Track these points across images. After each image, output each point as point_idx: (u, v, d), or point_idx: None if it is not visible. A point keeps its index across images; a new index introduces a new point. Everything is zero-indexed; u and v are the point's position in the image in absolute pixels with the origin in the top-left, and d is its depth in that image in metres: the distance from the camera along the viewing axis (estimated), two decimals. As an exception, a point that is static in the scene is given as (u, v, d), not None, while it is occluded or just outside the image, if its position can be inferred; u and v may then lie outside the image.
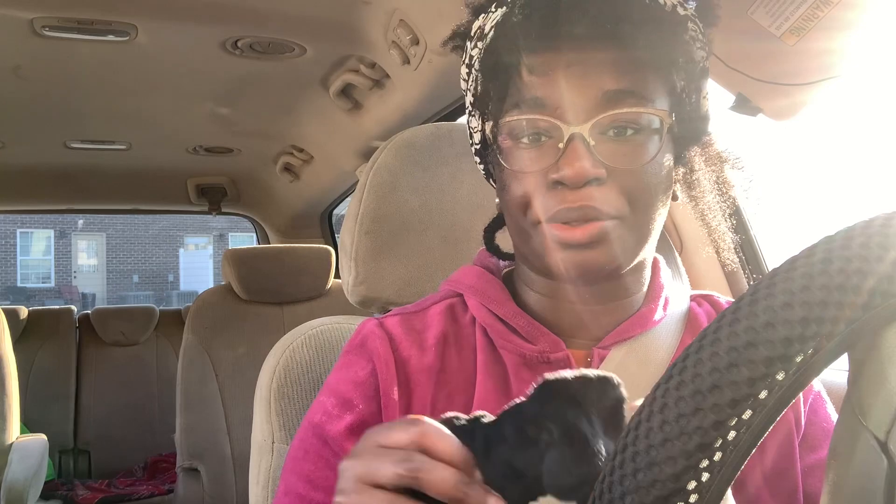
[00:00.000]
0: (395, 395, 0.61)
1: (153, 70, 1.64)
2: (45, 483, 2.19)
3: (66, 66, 1.59)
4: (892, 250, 0.30)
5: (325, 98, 1.73)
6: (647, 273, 0.66)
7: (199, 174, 2.72)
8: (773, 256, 1.23)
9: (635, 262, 0.61)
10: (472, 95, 0.64)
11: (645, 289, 0.66)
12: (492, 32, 0.60)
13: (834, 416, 0.65)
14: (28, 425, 2.46)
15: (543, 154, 0.57)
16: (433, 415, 0.60)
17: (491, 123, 0.61)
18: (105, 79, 1.70)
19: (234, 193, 2.85)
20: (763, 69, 0.76)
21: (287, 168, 2.42)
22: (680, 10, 0.58)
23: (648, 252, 0.63)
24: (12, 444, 1.97)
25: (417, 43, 1.31)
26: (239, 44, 1.46)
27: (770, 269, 0.32)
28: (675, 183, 0.63)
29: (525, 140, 0.58)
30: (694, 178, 0.64)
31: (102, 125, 2.12)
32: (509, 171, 0.59)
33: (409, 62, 1.38)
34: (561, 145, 0.55)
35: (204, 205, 2.88)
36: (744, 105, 0.80)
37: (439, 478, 0.41)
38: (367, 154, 1.89)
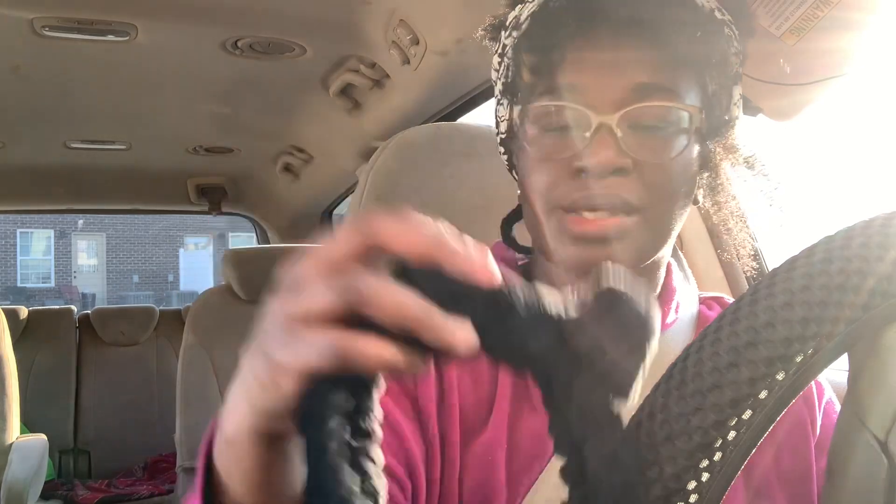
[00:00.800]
0: (433, 389, 0.59)
1: (153, 70, 1.64)
2: (45, 483, 2.19)
3: (66, 66, 1.60)
4: (892, 250, 0.30)
5: (325, 98, 1.73)
6: (662, 274, 0.65)
7: (199, 174, 2.72)
8: (774, 256, 1.23)
9: (650, 261, 0.60)
10: (503, 84, 0.63)
11: (658, 291, 0.66)
12: (528, 21, 0.59)
13: None
14: (28, 425, 2.46)
15: (570, 142, 0.56)
16: (461, 397, 0.59)
17: (519, 108, 0.60)
18: (105, 79, 1.70)
19: (234, 193, 2.85)
20: (763, 69, 0.76)
21: (287, 168, 2.42)
22: (718, 15, 0.58)
23: (664, 253, 0.62)
24: (12, 444, 1.97)
25: (417, 43, 1.31)
26: (239, 44, 1.46)
27: (770, 269, 0.32)
28: (698, 187, 0.62)
29: (553, 127, 0.57)
30: (718, 182, 0.63)
31: (102, 125, 2.12)
32: (534, 158, 0.59)
33: (409, 62, 1.38)
34: (588, 134, 0.55)
35: (204, 205, 2.88)
36: (744, 105, 0.80)
37: (393, 300, 0.29)
38: (367, 154, 1.89)
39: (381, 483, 0.29)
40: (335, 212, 2.85)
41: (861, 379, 0.32)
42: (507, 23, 0.62)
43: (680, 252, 1.24)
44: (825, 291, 0.30)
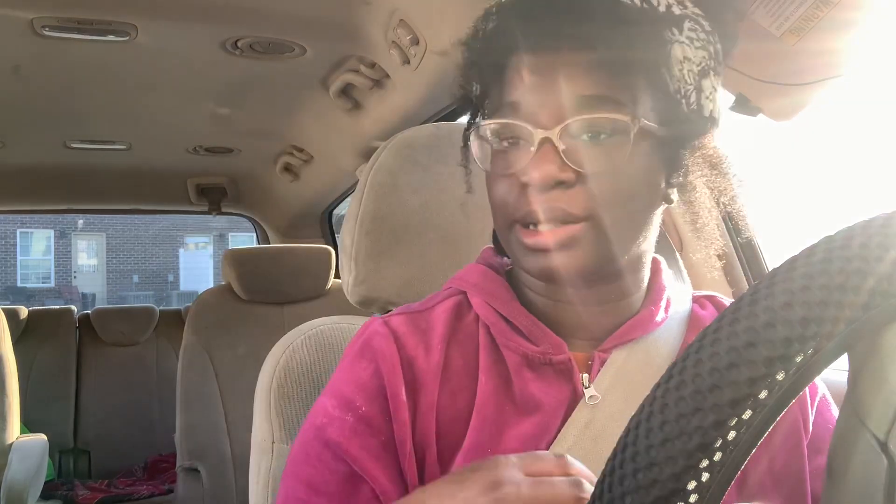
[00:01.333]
0: (403, 396, 0.61)
1: (153, 70, 1.64)
2: (45, 483, 2.19)
3: (66, 66, 1.60)
4: (892, 250, 0.30)
5: (325, 98, 1.73)
6: (645, 274, 0.66)
7: (199, 174, 2.72)
8: (774, 256, 1.23)
9: (620, 265, 0.61)
10: (461, 97, 0.66)
11: (644, 290, 0.66)
12: (484, 38, 0.62)
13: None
14: (28, 425, 2.46)
15: (519, 158, 0.58)
16: (439, 413, 0.61)
17: (472, 127, 0.63)
18: (105, 79, 1.70)
19: (234, 193, 2.85)
20: (763, 69, 0.76)
21: (287, 168, 2.42)
22: (676, 10, 0.58)
23: (640, 253, 0.63)
24: (12, 444, 1.97)
25: (417, 43, 1.31)
26: (239, 44, 1.46)
27: (770, 269, 0.32)
28: (670, 187, 0.63)
29: (506, 143, 0.59)
30: (688, 180, 0.64)
31: (102, 125, 2.12)
32: (489, 174, 0.61)
33: (409, 62, 1.38)
34: (533, 149, 0.56)
35: (204, 205, 2.88)
36: (744, 105, 0.80)
37: None
38: (367, 154, 1.89)
39: None
40: (335, 212, 2.85)
41: (861, 379, 0.32)
42: (471, 37, 0.64)
43: (677, 252, 1.24)
44: (825, 291, 0.30)
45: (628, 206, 0.59)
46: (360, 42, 1.44)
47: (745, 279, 1.24)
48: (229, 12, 1.34)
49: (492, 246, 0.73)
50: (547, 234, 0.57)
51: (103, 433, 3.02)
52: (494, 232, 0.73)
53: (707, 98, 0.61)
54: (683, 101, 0.59)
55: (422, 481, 0.60)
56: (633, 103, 0.57)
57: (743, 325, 0.31)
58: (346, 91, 1.67)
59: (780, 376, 0.30)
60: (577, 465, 0.46)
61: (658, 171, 0.61)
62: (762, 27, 0.72)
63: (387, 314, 0.68)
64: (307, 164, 2.32)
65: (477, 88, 0.63)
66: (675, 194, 0.64)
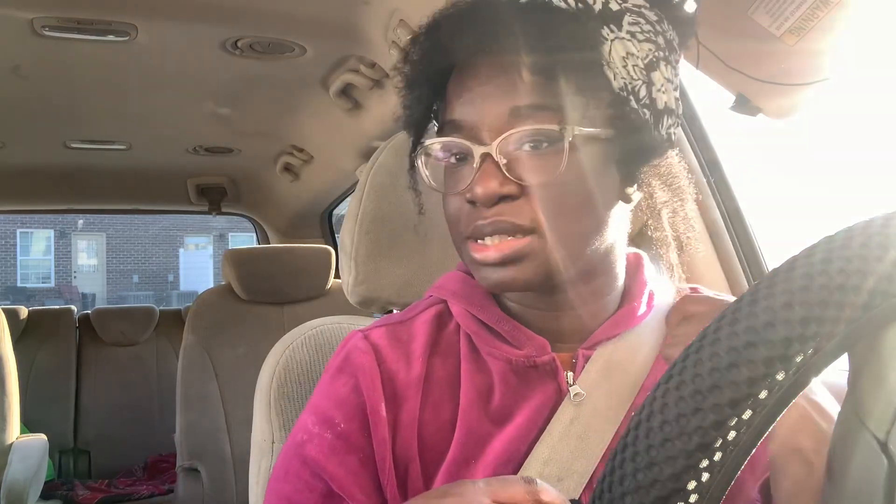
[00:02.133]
0: (383, 412, 0.61)
1: (153, 70, 1.64)
2: (45, 483, 2.19)
3: (66, 66, 1.59)
4: (892, 250, 0.30)
5: (325, 98, 1.73)
6: (619, 272, 0.65)
7: (199, 174, 2.72)
8: (774, 256, 1.23)
9: (573, 271, 0.59)
10: (405, 119, 0.65)
11: (620, 288, 0.66)
12: (417, 58, 0.61)
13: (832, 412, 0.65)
14: (28, 425, 2.46)
15: (464, 174, 0.58)
16: (421, 427, 0.60)
17: (416, 147, 0.63)
18: (105, 79, 1.70)
19: (234, 193, 2.85)
20: (763, 69, 0.76)
21: (287, 168, 2.42)
22: (613, 6, 0.57)
23: (601, 255, 0.61)
24: (12, 444, 1.97)
25: (417, 43, 1.31)
26: (239, 44, 1.46)
27: (770, 269, 0.32)
28: (630, 185, 0.61)
29: (454, 160, 0.60)
30: (645, 180, 0.62)
31: (102, 125, 2.12)
32: (439, 192, 0.62)
33: (409, 62, 1.38)
34: (475, 165, 0.56)
35: (204, 205, 2.88)
36: (744, 105, 0.80)
37: None
38: (367, 154, 1.89)
39: None
40: (335, 212, 2.85)
41: (861, 379, 0.32)
42: (405, 57, 0.63)
43: (673, 250, 1.23)
44: (825, 291, 0.30)
45: (576, 213, 0.58)
46: (360, 42, 1.44)
47: (745, 279, 1.24)
48: (229, 12, 1.34)
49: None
50: (493, 248, 0.57)
51: (103, 433, 3.02)
52: None
53: (660, 90, 0.59)
54: (632, 97, 0.57)
55: (405, 496, 0.60)
56: (572, 109, 0.56)
57: (743, 325, 0.31)
58: (346, 91, 1.67)
59: (780, 376, 0.30)
60: (548, 490, 0.45)
61: (609, 172, 0.59)
62: (762, 27, 0.72)
63: (367, 327, 0.67)
64: (307, 164, 2.32)
65: (413, 109, 0.63)
66: (635, 194, 0.62)
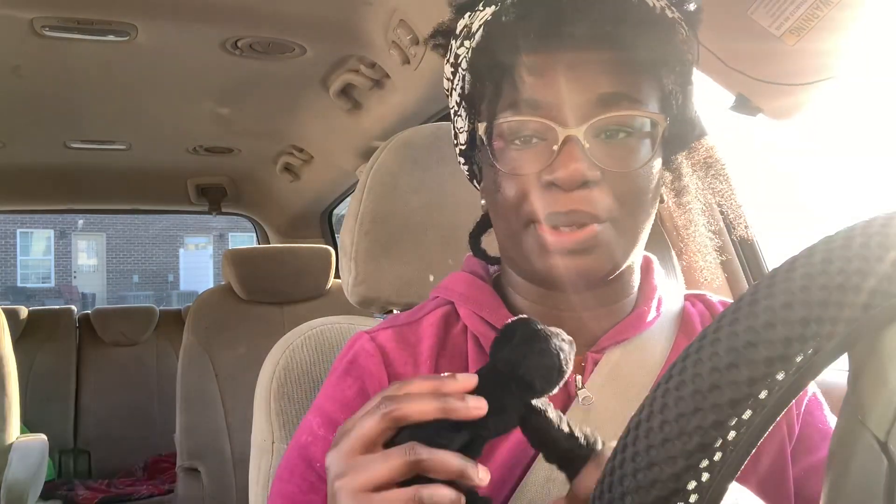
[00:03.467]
0: None
1: (153, 70, 1.64)
2: (45, 483, 2.19)
3: (66, 66, 1.59)
4: (892, 250, 0.30)
5: (325, 98, 1.73)
6: (637, 276, 0.66)
7: (199, 174, 2.72)
8: (774, 256, 1.23)
9: (624, 266, 0.61)
10: (459, 95, 0.63)
11: (636, 291, 0.66)
12: (480, 31, 0.59)
13: (831, 419, 0.65)
14: (28, 425, 2.46)
15: (538, 156, 0.56)
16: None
17: (484, 125, 0.60)
18: (105, 79, 1.70)
19: (234, 193, 2.85)
20: (763, 69, 0.76)
21: (287, 168, 2.42)
22: (668, 13, 0.58)
23: (637, 255, 0.63)
24: (12, 444, 1.97)
25: (417, 43, 1.31)
26: (239, 44, 1.46)
27: (770, 269, 0.32)
28: (662, 186, 0.62)
29: (518, 141, 0.57)
30: (682, 184, 0.64)
31: (102, 125, 2.12)
32: (503, 173, 0.58)
33: (409, 62, 1.38)
34: (555, 147, 0.55)
35: (204, 205, 2.88)
36: (744, 105, 0.80)
37: (442, 462, 0.44)
38: (367, 154, 1.89)
39: None
40: (335, 212, 2.85)
41: (861, 379, 0.32)
42: (458, 31, 0.61)
43: (673, 251, 1.24)
44: (825, 291, 0.30)
45: (643, 205, 0.58)
46: (360, 42, 1.44)
47: (745, 279, 1.24)
48: (229, 12, 1.33)
49: (472, 255, 0.72)
50: (570, 235, 0.56)
51: (103, 433, 3.02)
52: (472, 239, 0.71)
53: (690, 101, 0.61)
54: (674, 102, 0.59)
55: None
56: (647, 102, 0.57)
57: (743, 325, 0.31)
58: (346, 91, 1.67)
59: (780, 376, 0.30)
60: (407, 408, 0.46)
61: (660, 171, 0.60)
62: (762, 27, 0.72)
63: (374, 328, 0.67)
64: (307, 164, 2.32)
65: (478, 86, 0.60)
66: (665, 193, 0.63)
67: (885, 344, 0.31)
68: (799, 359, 0.30)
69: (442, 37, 0.63)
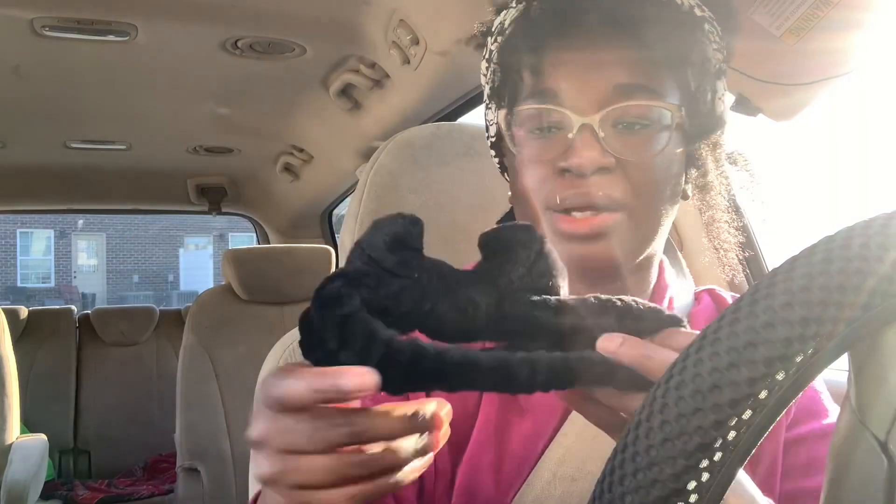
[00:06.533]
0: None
1: (153, 70, 1.64)
2: (45, 483, 2.19)
3: (66, 66, 1.60)
4: (892, 250, 0.30)
5: (325, 98, 1.73)
6: (654, 273, 0.66)
7: (199, 174, 2.72)
8: (774, 256, 1.23)
9: (639, 259, 0.61)
10: (490, 88, 0.65)
11: (651, 289, 0.66)
12: (511, 27, 0.61)
13: (830, 405, 0.65)
14: (28, 425, 2.46)
15: (555, 143, 0.58)
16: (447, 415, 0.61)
17: (504, 112, 0.62)
18: (105, 79, 1.70)
19: (234, 193, 2.85)
20: (763, 69, 0.76)
21: (287, 168, 2.42)
22: (697, 12, 0.59)
23: (654, 251, 0.63)
24: (12, 444, 1.97)
25: (417, 43, 1.31)
26: (239, 44, 1.46)
27: (770, 269, 0.32)
28: (686, 183, 0.63)
29: (537, 130, 0.59)
30: (707, 180, 0.64)
31: (102, 125, 2.12)
32: (522, 160, 0.60)
33: (409, 62, 1.38)
34: (571, 135, 0.56)
35: (204, 205, 2.88)
36: (744, 105, 0.80)
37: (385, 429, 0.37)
38: (367, 154, 1.89)
39: None
40: (335, 212, 2.85)
41: (861, 379, 0.32)
42: (493, 28, 0.63)
43: (679, 251, 1.24)
44: (825, 291, 0.30)
45: (660, 197, 0.59)
46: (360, 42, 1.44)
47: (745, 279, 1.24)
48: (229, 12, 1.34)
49: None
50: (583, 222, 0.57)
51: (103, 433, 3.02)
52: None
53: (719, 99, 0.62)
54: (701, 99, 0.60)
55: (436, 469, 0.60)
56: (666, 94, 0.58)
57: (743, 325, 0.31)
58: (346, 91, 1.67)
59: (780, 376, 0.30)
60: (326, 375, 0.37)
61: (682, 166, 0.61)
62: (762, 27, 0.72)
63: None
64: (307, 164, 2.32)
65: (504, 76, 0.63)
66: (689, 190, 0.64)
67: (885, 344, 0.31)
68: (799, 359, 0.30)
69: (482, 35, 0.66)
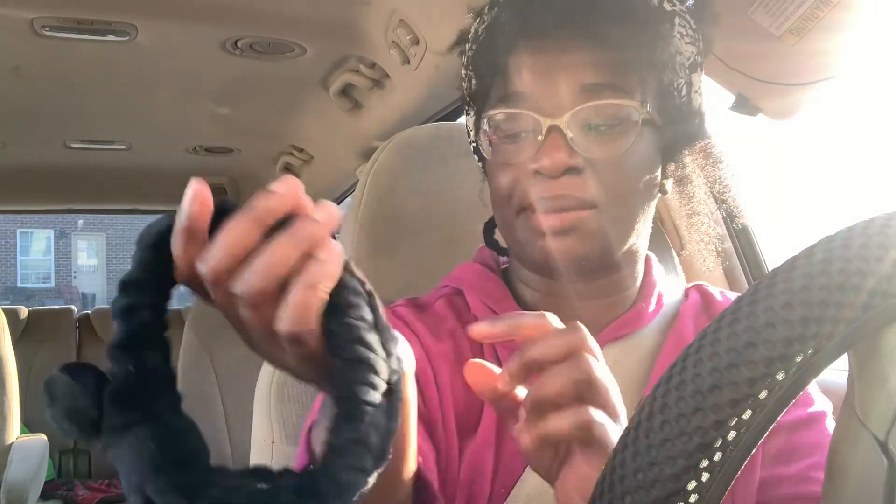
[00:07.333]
0: (430, 371, 0.61)
1: (153, 70, 1.64)
2: (45, 483, 2.19)
3: (66, 66, 1.59)
4: (892, 250, 0.30)
5: (325, 98, 1.73)
6: (641, 268, 0.67)
7: (199, 174, 2.71)
8: (774, 256, 1.23)
9: (619, 254, 0.62)
10: (467, 94, 0.66)
11: (637, 286, 0.67)
12: (483, 34, 0.62)
13: (815, 394, 0.65)
14: (28, 425, 2.46)
15: (525, 146, 0.59)
16: (456, 404, 0.61)
17: (474, 117, 0.64)
18: (105, 79, 1.70)
19: (234, 193, 2.85)
20: (763, 69, 0.76)
21: (287, 168, 2.41)
22: (667, 6, 0.59)
23: (636, 247, 0.64)
24: (12, 444, 1.97)
25: (417, 43, 1.31)
26: (239, 44, 1.46)
27: (770, 269, 0.32)
28: (666, 178, 0.64)
29: (508, 133, 0.60)
30: (685, 173, 0.65)
31: (102, 125, 2.12)
32: (495, 163, 0.62)
33: (409, 62, 1.38)
34: (540, 137, 0.57)
35: (204, 205, 2.88)
36: (744, 105, 0.80)
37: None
38: (367, 154, 1.89)
39: None
40: (335, 212, 2.85)
41: (861, 379, 0.32)
42: (469, 35, 0.65)
43: (674, 251, 1.24)
44: (825, 291, 0.30)
45: (632, 194, 0.60)
46: (360, 42, 1.44)
47: (745, 279, 1.24)
48: (229, 12, 1.34)
49: (484, 246, 0.73)
50: (560, 217, 0.58)
51: (103, 433, 3.02)
52: (486, 230, 0.73)
53: (696, 92, 0.62)
54: (675, 93, 0.60)
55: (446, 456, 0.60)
56: (633, 92, 0.58)
57: (743, 325, 0.31)
58: (346, 91, 1.67)
59: (780, 376, 0.30)
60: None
61: (656, 161, 0.62)
62: (762, 27, 0.72)
63: (389, 304, 0.68)
64: (307, 164, 2.32)
65: (477, 82, 0.64)
66: (669, 185, 0.65)
67: (885, 344, 0.31)
68: (799, 359, 0.30)
69: (460, 42, 0.67)
